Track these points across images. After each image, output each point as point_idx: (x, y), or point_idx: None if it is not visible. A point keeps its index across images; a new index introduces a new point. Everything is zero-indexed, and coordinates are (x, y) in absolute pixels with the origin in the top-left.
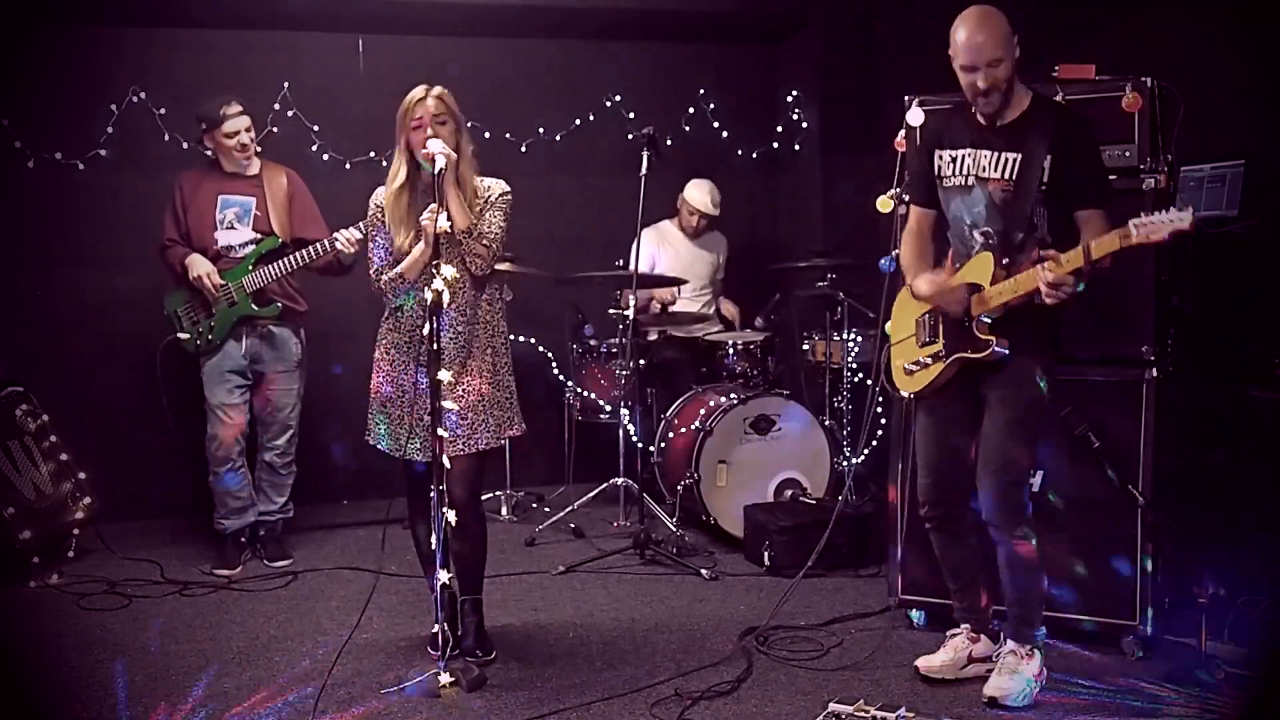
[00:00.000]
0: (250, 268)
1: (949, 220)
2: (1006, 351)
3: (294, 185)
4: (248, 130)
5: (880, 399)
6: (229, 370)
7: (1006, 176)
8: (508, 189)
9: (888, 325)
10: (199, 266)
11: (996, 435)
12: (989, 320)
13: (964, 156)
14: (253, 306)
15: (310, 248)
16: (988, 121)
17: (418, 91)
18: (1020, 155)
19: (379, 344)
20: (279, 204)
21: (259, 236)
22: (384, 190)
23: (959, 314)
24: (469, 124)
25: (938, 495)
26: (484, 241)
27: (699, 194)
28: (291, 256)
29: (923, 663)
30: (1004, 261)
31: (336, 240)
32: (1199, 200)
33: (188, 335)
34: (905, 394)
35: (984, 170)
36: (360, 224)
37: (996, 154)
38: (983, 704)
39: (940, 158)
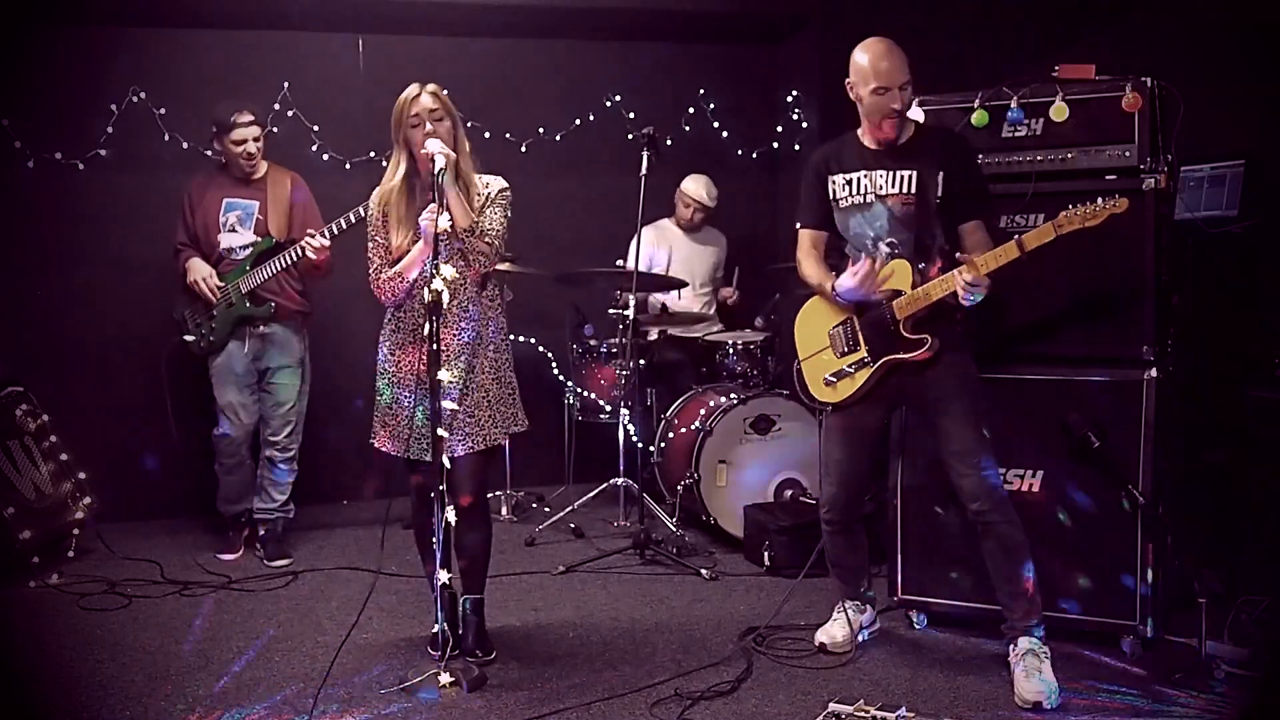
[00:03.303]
0: (248, 269)
1: (849, 238)
2: (939, 349)
3: (297, 189)
4: (255, 140)
5: None
6: (236, 370)
7: (906, 191)
8: (506, 185)
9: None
10: (196, 271)
11: (960, 427)
12: (913, 321)
13: (858, 179)
14: (248, 306)
15: (287, 251)
16: (879, 146)
17: (412, 89)
18: (915, 172)
19: (381, 346)
20: (280, 207)
21: (259, 239)
22: (382, 190)
23: (886, 315)
24: (468, 124)
25: (844, 502)
26: (486, 239)
27: (695, 186)
28: (277, 258)
29: (825, 638)
30: (920, 266)
31: (306, 247)
32: (1199, 200)
33: (193, 337)
34: (826, 404)
35: (881, 188)
36: (331, 225)
37: (891, 173)
38: (1024, 709)
39: (833, 182)
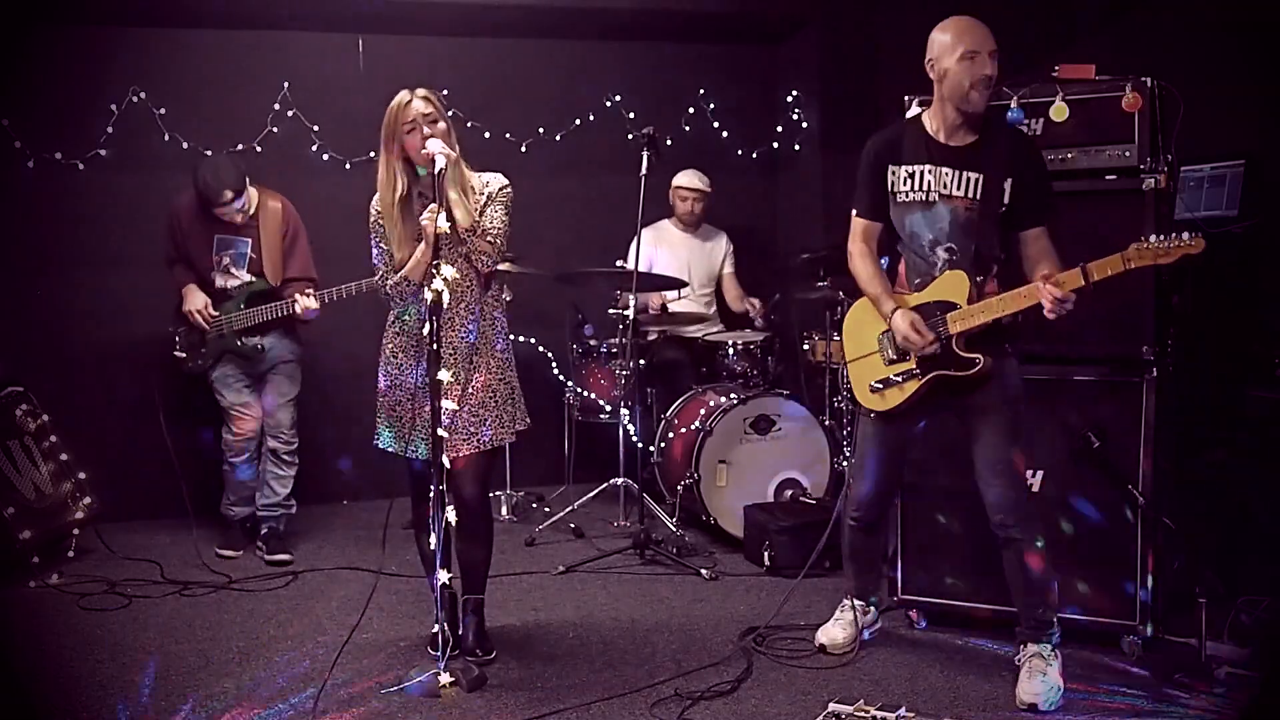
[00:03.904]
0: (241, 306)
1: (904, 236)
2: (990, 365)
3: (288, 218)
4: (241, 211)
5: None
6: (236, 374)
7: (971, 195)
8: (507, 183)
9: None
10: (192, 301)
11: (1000, 442)
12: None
13: (922, 173)
14: (239, 343)
15: (276, 304)
16: (948, 138)
17: (404, 95)
18: (981, 175)
19: (384, 347)
20: (272, 244)
21: (253, 279)
22: (380, 200)
23: (939, 328)
24: (468, 124)
25: (875, 502)
26: (488, 238)
27: (688, 177)
28: (268, 308)
29: (826, 639)
30: (977, 279)
31: (296, 303)
32: (1199, 200)
33: (183, 354)
34: (870, 411)
35: (946, 188)
36: (325, 294)
37: (957, 172)
38: (1022, 709)
39: (894, 173)
